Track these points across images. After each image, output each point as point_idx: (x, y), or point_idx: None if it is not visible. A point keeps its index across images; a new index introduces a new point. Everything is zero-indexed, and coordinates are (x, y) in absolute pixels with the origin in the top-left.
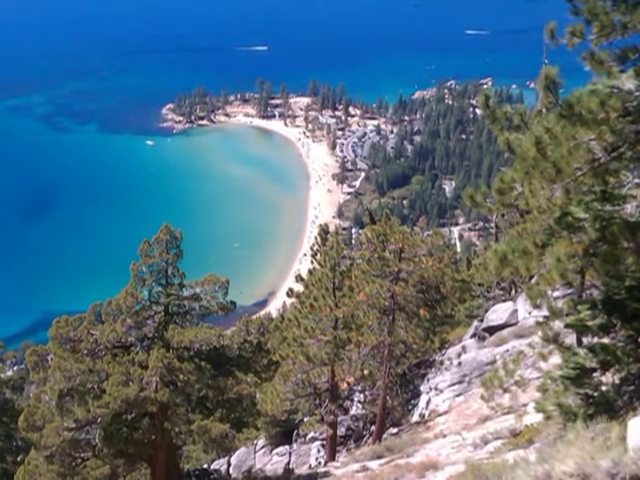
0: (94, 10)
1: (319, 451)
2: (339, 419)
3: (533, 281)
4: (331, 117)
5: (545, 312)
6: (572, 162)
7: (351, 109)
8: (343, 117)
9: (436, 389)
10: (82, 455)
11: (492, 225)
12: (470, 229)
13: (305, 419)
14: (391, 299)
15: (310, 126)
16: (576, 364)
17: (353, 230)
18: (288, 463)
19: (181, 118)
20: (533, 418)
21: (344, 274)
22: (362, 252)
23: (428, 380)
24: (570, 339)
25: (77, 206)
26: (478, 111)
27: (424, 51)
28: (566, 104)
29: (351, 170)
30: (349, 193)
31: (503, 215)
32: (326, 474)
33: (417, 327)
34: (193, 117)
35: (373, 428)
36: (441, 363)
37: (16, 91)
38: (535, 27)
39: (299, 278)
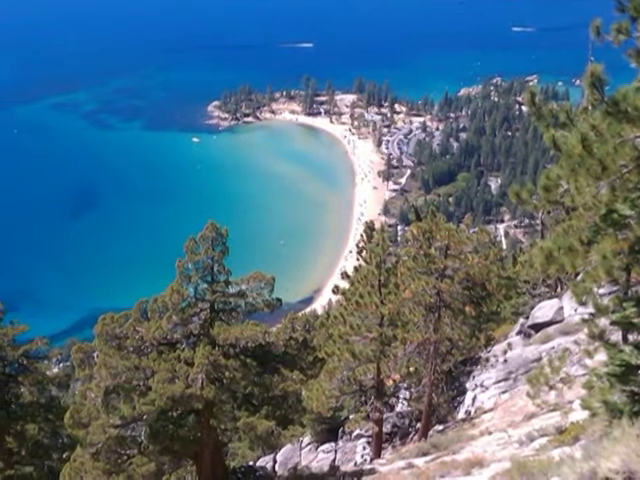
0: (142, 7)
1: (365, 448)
2: (385, 416)
3: (579, 278)
4: (377, 114)
5: (591, 309)
6: (618, 159)
7: (397, 106)
8: (389, 114)
9: (482, 386)
10: (128, 452)
11: (538, 222)
12: (516, 226)
13: (351, 416)
14: (437, 296)
15: (356, 123)
16: (622, 361)
17: (399, 227)
18: (334, 460)
19: (227, 115)
20: (579, 415)
21: (390, 271)
22: (408, 249)
23: (474, 377)
24: (616, 336)
25: (123, 203)
26: (524, 108)
27: (470, 48)
28: (612, 101)
29: (397, 167)
30: (395, 190)
31: (549, 212)
32: (371, 471)
33: (463, 324)
34: (239, 114)
35: (419, 425)
36: (487, 360)
37: (61, 88)
38: (581, 24)
39: (345, 275)
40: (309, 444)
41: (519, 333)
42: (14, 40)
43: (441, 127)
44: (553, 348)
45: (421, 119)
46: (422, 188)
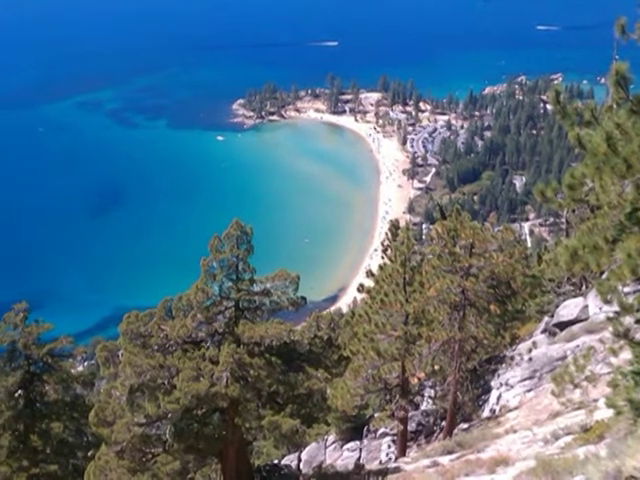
0: (166, 6)
1: (389, 447)
2: (410, 414)
3: (604, 277)
4: (402, 112)
5: (616, 308)
6: None
7: (421, 104)
8: (413, 112)
9: (507, 384)
10: (152, 450)
11: (563, 221)
12: (541, 224)
13: (376, 414)
14: (462, 294)
15: (380, 121)
16: None
17: (424, 225)
18: (359, 459)
19: (251, 113)
20: (604, 413)
21: (415, 269)
22: (433, 247)
23: (499, 375)
24: None
25: (147, 201)
26: (549, 107)
27: (495, 46)
28: (637, 100)
29: (422, 165)
30: (420, 188)
31: (574, 211)
32: (396, 470)
33: (488, 323)
34: (263, 112)
35: (444, 423)
36: (512, 359)
37: (87, 87)
38: (606, 23)
39: (370, 273)
40: (334, 442)
41: (544, 331)
42: (40, 39)
43: (466, 125)
44: (578, 346)
45: (446, 117)
46: (447, 186)
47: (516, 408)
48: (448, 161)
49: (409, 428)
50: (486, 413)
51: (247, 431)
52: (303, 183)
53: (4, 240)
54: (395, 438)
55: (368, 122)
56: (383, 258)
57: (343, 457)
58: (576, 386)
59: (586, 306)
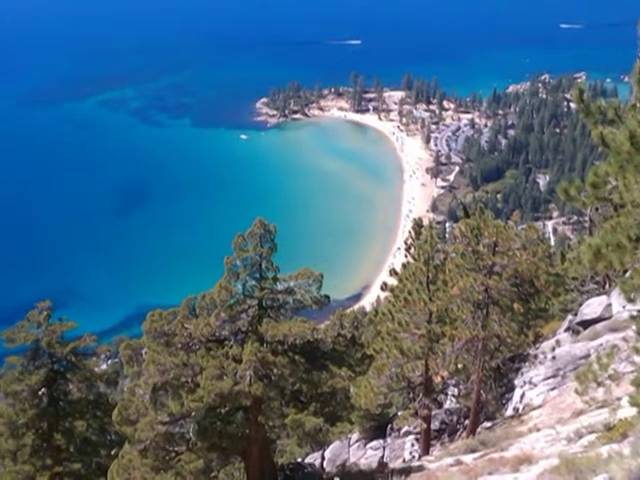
0: (191, 4)
1: (413, 445)
2: (433, 413)
3: (627, 275)
4: (425, 111)
5: (639, 306)
6: None
7: (445, 103)
8: (437, 111)
9: (530, 383)
10: (176, 449)
11: (586, 219)
12: (564, 223)
13: (399, 413)
14: (485, 293)
15: (404, 120)
16: None
17: (447, 224)
18: (382, 457)
19: (275, 112)
20: (627, 412)
21: (438, 268)
22: (456, 246)
23: (522, 374)
24: None
25: (171, 200)
26: (572, 105)
27: (518, 45)
28: None
29: (445, 164)
30: (443, 187)
31: (597, 209)
32: (420, 468)
33: (511, 321)
34: (287, 111)
35: (467, 422)
36: (535, 357)
37: (111, 85)
38: (629, 21)
39: (393, 272)
40: (357, 441)
41: (567, 330)
42: (65, 37)
43: (489, 124)
44: (601, 345)
45: (469, 116)
46: (470, 185)
47: (539, 406)
48: (472, 159)
49: (432, 427)
50: (509, 411)
51: (270, 429)
52: (326, 182)
53: (28, 238)
54: (418, 436)
55: (392, 120)
56: (406, 257)
57: (367, 455)
58: (599, 384)
59: (609, 304)
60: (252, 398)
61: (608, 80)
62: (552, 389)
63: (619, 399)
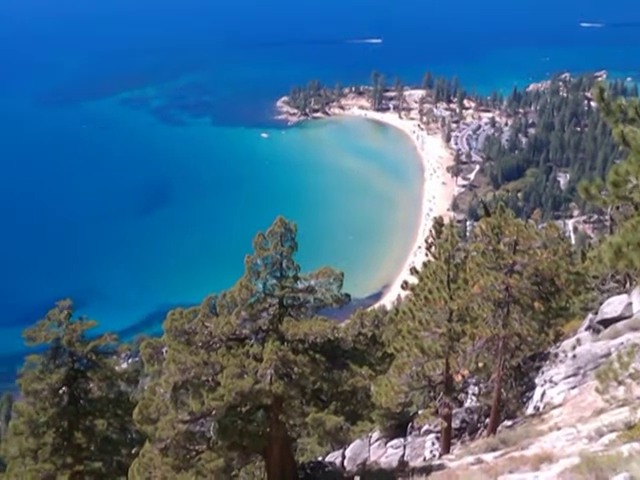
0: (211, 2)
1: (433, 444)
2: (453, 412)
3: None
4: (446, 109)
5: None
6: None
7: (466, 101)
8: (458, 109)
9: (551, 381)
10: (197, 448)
11: (607, 218)
12: (585, 221)
13: (420, 412)
14: (505, 291)
15: (425, 119)
16: None
17: (467, 223)
18: (403, 456)
19: (295, 111)
20: None
21: (459, 267)
22: (476, 245)
23: (543, 373)
24: None
25: (191, 198)
26: (593, 103)
27: (539, 43)
28: None
29: (465, 163)
30: (464, 186)
31: (618, 208)
32: (440, 467)
33: (532, 320)
34: (307, 110)
35: (487, 421)
36: (556, 356)
37: (131, 84)
38: None
39: (413, 271)
40: (378, 439)
41: (588, 329)
42: (85, 36)
43: (510, 122)
44: (622, 344)
45: (490, 114)
46: (491, 183)
47: (560, 405)
48: (492, 158)
49: (453, 425)
50: (530, 410)
51: (291, 428)
52: (347, 180)
53: (49, 237)
54: (439, 435)
55: (412, 119)
56: (427, 255)
57: (387, 454)
58: (620, 383)
59: (630, 303)
60: (273, 397)
61: (629, 79)
62: (573, 388)
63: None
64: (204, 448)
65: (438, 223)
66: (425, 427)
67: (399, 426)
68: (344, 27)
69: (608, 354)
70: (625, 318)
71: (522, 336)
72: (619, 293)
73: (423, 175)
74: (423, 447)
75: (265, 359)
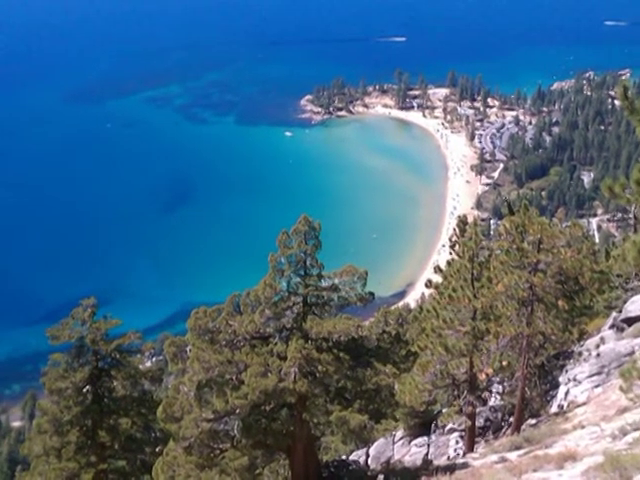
0: (236, 1)
1: (457, 442)
2: (478, 410)
3: None
4: (470, 108)
5: None
6: None
7: (490, 100)
8: (482, 108)
9: (575, 380)
10: (220, 446)
11: (631, 216)
12: (609, 220)
13: (443, 410)
14: (529, 290)
15: (448, 117)
16: None
17: (492, 221)
18: (427, 454)
19: (319, 109)
20: None
21: (483, 265)
22: (500, 243)
23: (567, 371)
24: None
25: (215, 197)
26: (617, 102)
27: (563, 42)
28: None
29: (489, 161)
30: (488, 184)
31: None
32: (464, 465)
33: (556, 318)
34: (331, 108)
35: (512, 419)
36: (579, 354)
37: (155, 82)
38: None
39: (437, 269)
40: (402, 438)
41: (612, 327)
42: (109, 34)
43: (534, 121)
44: None
45: (514, 113)
46: (515, 182)
47: (584, 404)
48: (516, 157)
49: (477, 424)
50: (554, 409)
51: (315, 426)
52: (371, 179)
53: (74, 236)
54: (463, 434)
55: (436, 118)
56: (451, 254)
57: (411, 453)
58: None
59: None
60: (297, 395)
61: None
62: (596, 386)
63: None
64: (228, 446)
65: (462, 221)
66: (449, 425)
67: (423, 424)
68: (368, 25)
69: (632, 352)
70: None
71: (546, 334)
72: None
73: (447, 173)
74: (447, 446)
75: (289, 357)
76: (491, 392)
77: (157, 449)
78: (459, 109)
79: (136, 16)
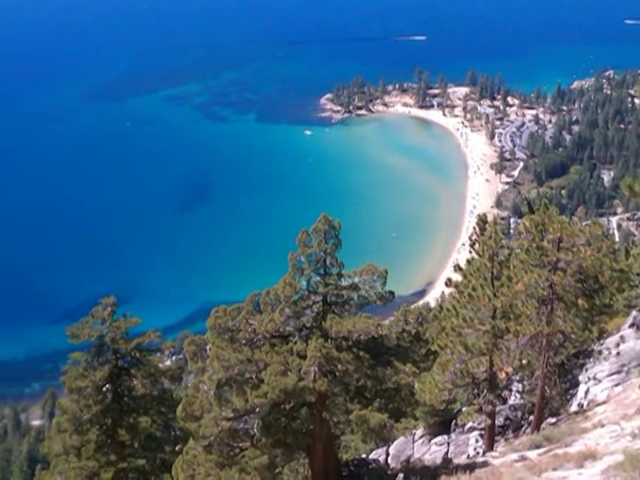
0: (255, 0)
1: (477, 441)
2: (497, 409)
3: None
4: (489, 107)
5: None
6: None
7: (509, 99)
8: (501, 107)
9: (594, 379)
10: (240, 445)
11: None
12: (629, 219)
13: (463, 409)
14: (549, 289)
15: (468, 116)
16: None
17: (511, 220)
18: (446, 453)
19: (339, 108)
20: None
21: (502, 264)
22: (520, 242)
23: (586, 370)
24: None
25: (235, 195)
26: (637, 101)
27: (582, 41)
28: None
29: (509, 160)
30: (507, 183)
31: None
32: (484, 464)
33: (575, 317)
34: (351, 107)
35: (531, 418)
36: (599, 353)
37: (174, 81)
38: None
39: (457, 268)
40: (422, 437)
41: (632, 326)
42: (129, 32)
43: (554, 120)
44: None
45: (534, 112)
46: (535, 181)
47: (604, 402)
48: (536, 155)
49: (497, 422)
50: (574, 407)
51: (335, 425)
52: (391, 177)
53: (93, 235)
54: (483, 432)
55: (456, 116)
56: (471, 252)
57: (431, 451)
58: None
59: None
60: (316, 394)
61: None
62: (616, 385)
63: None
64: (248, 445)
65: (482, 220)
66: (469, 424)
67: (443, 423)
68: (388, 24)
69: None
70: None
71: (566, 333)
72: None
73: (467, 172)
74: (467, 444)
75: (309, 356)
76: (511, 391)
77: (177, 448)
78: (479, 108)
79: (155, 14)
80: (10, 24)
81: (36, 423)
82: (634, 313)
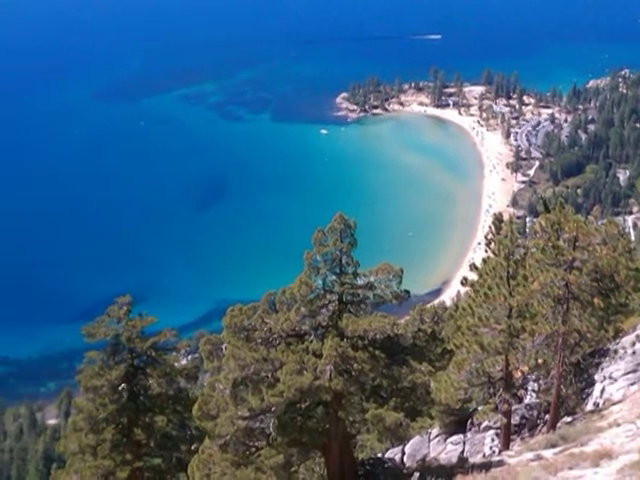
0: None
1: (493, 440)
2: (513, 408)
3: None
4: (505, 106)
5: None
6: None
7: (525, 98)
8: (517, 106)
9: (610, 378)
10: (256, 444)
11: None
12: None
13: (479, 408)
14: (565, 288)
15: (484, 115)
16: None
17: (527, 219)
18: (462, 452)
19: (355, 107)
20: None
21: (518, 263)
22: (536, 241)
23: (602, 369)
24: None
25: (250, 195)
26: None
27: (598, 40)
28: None
29: (525, 159)
30: (523, 182)
31: None
32: (500, 463)
33: (591, 316)
34: (367, 106)
35: (547, 417)
36: (615, 352)
37: (188, 80)
38: None
39: (473, 267)
40: (438, 436)
41: None
42: (143, 32)
43: (569, 119)
44: None
45: (549, 111)
46: (550, 180)
47: (620, 401)
48: (552, 154)
49: (513, 421)
50: (590, 406)
51: (351, 424)
52: (406, 176)
53: (109, 234)
54: (499, 431)
55: (472, 115)
56: (487, 251)
57: (447, 450)
58: None
59: None
60: (332, 393)
61: None
62: (632, 384)
63: None
64: (264, 444)
65: (498, 219)
66: (485, 423)
67: (459, 422)
68: (403, 23)
69: None
70: None
71: (582, 332)
72: None
73: (483, 171)
74: (483, 443)
75: (325, 355)
76: (527, 390)
77: (193, 447)
78: (495, 107)
79: (168, 13)
80: (22, 22)
81: (52, 422)
82: None
